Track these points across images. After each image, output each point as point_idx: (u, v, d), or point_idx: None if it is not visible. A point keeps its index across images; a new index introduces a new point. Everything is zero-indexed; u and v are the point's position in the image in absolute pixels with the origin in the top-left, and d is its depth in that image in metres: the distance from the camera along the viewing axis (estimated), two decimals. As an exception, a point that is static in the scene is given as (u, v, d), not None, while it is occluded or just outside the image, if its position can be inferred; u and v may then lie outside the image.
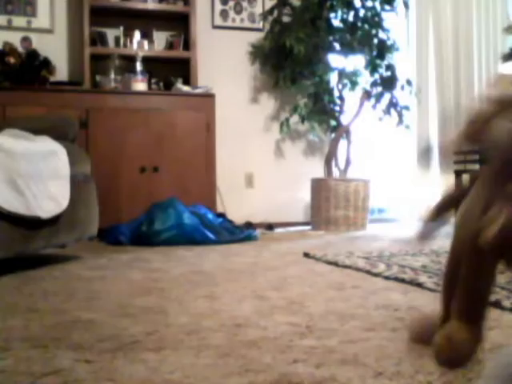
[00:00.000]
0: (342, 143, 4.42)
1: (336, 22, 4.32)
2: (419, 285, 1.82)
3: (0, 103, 3.61)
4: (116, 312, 1.51)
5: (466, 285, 0.71)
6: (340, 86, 4.40)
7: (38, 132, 2.55)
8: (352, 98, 4.46)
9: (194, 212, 3.43)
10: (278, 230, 4.23)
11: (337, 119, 4.45)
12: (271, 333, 1.26)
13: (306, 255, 2.68)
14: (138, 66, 4.04)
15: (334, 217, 4.15)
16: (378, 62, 4.37)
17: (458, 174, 4.03)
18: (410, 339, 0.65)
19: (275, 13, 4.43)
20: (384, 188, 4.92)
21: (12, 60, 3.81)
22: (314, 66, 4.28)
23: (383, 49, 4.35)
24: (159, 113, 3.97)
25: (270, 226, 4.28)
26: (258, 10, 4.64)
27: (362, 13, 4.31)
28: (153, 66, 4.22)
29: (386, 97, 4.43)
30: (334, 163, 4.39)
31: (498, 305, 1.48)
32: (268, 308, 1.54)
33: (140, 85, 4.02)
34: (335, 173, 4.41)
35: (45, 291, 1.84)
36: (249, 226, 4.06)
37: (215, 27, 4.58)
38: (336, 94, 4.42)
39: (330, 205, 4.16)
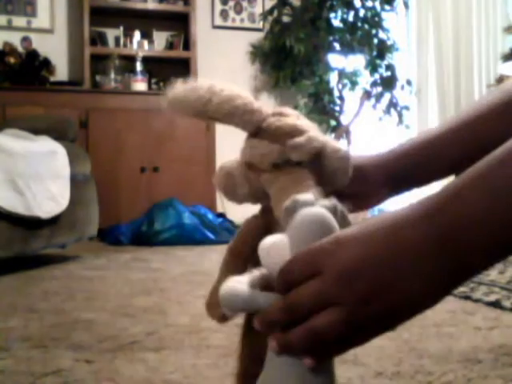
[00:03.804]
0: (342, 143, 4.43)
1: (336, 22, 4.32)
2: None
3: (0, 103, 3.61)
4: (116, 312, 1.51)
5: None
6: (340, 86, 4.40)
7: (38, 132, 2.55)
8: (352, 98, 4.46)
9: (193, 212, 3.43)
10: (278, 230, 4.22)
11: (337, 119, 4.45)
12: (271, 333, 1.26)
13: (306, 255, 2.68)
14: (138, 66, 4.04)
15: (334, 217, 4.15)
16: (378, 62, 4.37)
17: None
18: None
19: (275, 13, 4.43)
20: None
21: (12, 60, 3.81)
22: (314, 65, 4.29)
23: (383, 49, 4.35)
24: (159, 113, 3.95)
25: (270, 226, 4.28)
26: (258, 9, 4.64)
27: (362, 13, 4.32)
28: (153, 66, 4.22)
29: (386, 97, 4.43)
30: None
31: (497, 305, 1.48)
32: (268, 308, 1.53)
33: (140, 85, 4.02)
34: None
35: (45, 291, 1.84)
36: (249, 226, 4.05)
37: (215, 27, 4.58)
38: (336, 93, 4.42)
39: (329, 205, 4.16)
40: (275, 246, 0.51)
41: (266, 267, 0.52)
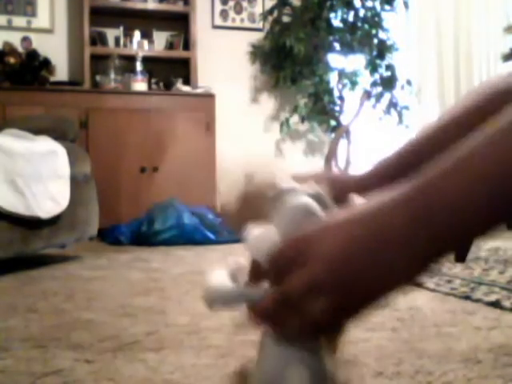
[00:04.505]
0: (342, 143, 4.42)
1: (336, 22, 4.32)
2: (419, 285, 1.82)
3: (0, 103, 3.61)
4: (116, 312, 1.51)
5: None
6: (340, 86, 4.40)
7: (38, 132, 2.55)
8: (352, 97, 4.46)
9: (193, 212, 3.43)
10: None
11: (337, 119, 4.45)
12: (271, 333, 1.26)
13: (306, 255, 2.67)
14: (138, 66, 4.04)
15: (334, 217, 4.15)
16: (378, 62, 4.37)
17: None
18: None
19: (275, 13, 4.43)
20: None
21: (12, 60, 3.81)
22: (314, 65, 4.28)
23: (383, 49, 4.35)
24: (159, 113, 3.97)
25: (270, 226, 4.27)
26: (258, 9, 4.64)
27: (361, 13, 4.31)
28: (153, 66, 4.22)
29: (386, 97, 4.43)
30: (334, 163, 4.39)
31: (497, 305, 1.48)
32: (268, 308, 1.53)
33: (140, 85, 4.02)
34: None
35: (45, 291, 1.84)
36: (249, 225, 4.05)
37: (215, 27, 4.58)
38: (336, 94, 4.41)
39: (330, 205, 4.15)
40: (262, 236, 0.52)
41: (253, 257, 0.53)
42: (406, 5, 4.47)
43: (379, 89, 4.41)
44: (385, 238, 0.47)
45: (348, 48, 4.29)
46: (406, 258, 0.47)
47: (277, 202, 0.54)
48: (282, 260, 0.50)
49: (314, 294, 0.48)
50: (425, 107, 4.87)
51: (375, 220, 0.48)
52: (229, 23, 4.60)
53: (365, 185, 0.71)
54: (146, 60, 4.12)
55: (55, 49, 4.18)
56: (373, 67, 4.36)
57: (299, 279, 0.48)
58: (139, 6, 4.22)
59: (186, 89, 4.16)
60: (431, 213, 0.46)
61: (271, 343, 0.52)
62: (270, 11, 4.44)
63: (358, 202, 0.54)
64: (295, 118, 4.49)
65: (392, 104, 4.43)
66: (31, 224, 2.29)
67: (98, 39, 4.19)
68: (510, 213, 0.45)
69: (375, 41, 4.35)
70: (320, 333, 0.51)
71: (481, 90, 0.71)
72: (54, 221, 2.40)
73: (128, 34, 4.22)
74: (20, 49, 3.98)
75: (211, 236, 3.31)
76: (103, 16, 4.16)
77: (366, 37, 4.29)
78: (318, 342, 0.53)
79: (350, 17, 4.30)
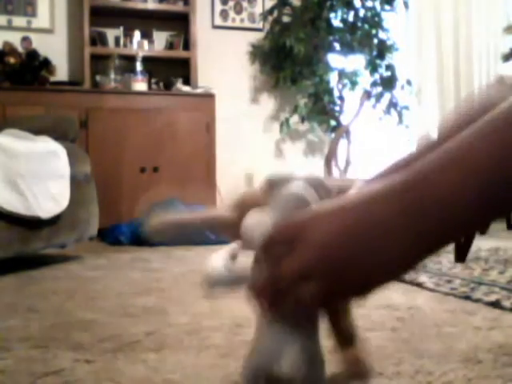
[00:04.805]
0: (342, 143, 4.43)
1: (336, 22, 4.32)
2: (419, 285, 1.82)
3: (0, 103, 3.61)
4: (116, 312, 1.51)
5: None
6: (340, 86, 4.41)
7: (38, 132, 2.55)
8: (352, 97, 4.46)
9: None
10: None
11: (337, 119, 4.45)
12: (271, 333, 1.26)
13: (306, 255, 2.67)
14: (138, 66, 4.04)
15: (334, 217, 4.14)
16: (378, 62, 4.37)
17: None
18: None
19: (275, 13, 4.43)
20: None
21: (12, 60, 3.81)
22: (314, 66, 4.29)
23: (383, 49, 4.35)
24: (159, 113, 3.97)
25: (270, 226, 4.27)
26: (258, 9, 4.64)
27: (361, 13, 4.32)
28: (153, 65, 4.22)
29: (386, 97, 4.43)
30: (334, 163, 4.40)
31: (497, 305, 1.48)
32: (268, 308, 1.53)
33: (140, 85, 4.02)
34: (335, 173, 4.42)
35: (45, 291, 1.84)
36: (249, 225, 4.05)
37: (215, 27, 4.58)
38: (336, 94, 4.42)
39: (329, 205, 4.15)
40: (259, 224, 0.54)
41: (251, 243, 0.55)
42: (406, 5, 4.47)
43: (379, 89, 4.41)
44: (376, 229, 0.47)
45: (348, 48, 4.29)
46: (396, 251, 0.47)
47: (273, 188, 0.56)
48: (274, 244, 0.51)
49: (304, 279, 0.49)
50: (425, 107, 4.87)
51: (368, 209, 0.48)
52: (229, 23, 4.61)
53: None
54: (146, 60, 4.12)
55: (55, 49, 4.18)
56: (373, 67, 4.36)
57: (290, 264, 0.49)
58: (139, 5, 4.22)
59: (186, 89, 4.16)
60: (422, 206, 0.46)
61: (268, 323, 0.54)
62: (270, 11, 4.44)
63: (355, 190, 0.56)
64: (295, 118, 4.49)
65: (392, 104, 4.43)
66: (31, 224, 2.29)
67: (98, 39, 4.19)
68: (500, 210, 0.46)
69: (375, 41, 4.35)
70: (312, 315, 0.53)
71: (477, 102, 0.72)
72: (54, 221, 2.41)
73: (128, 34, 4.23)
74: (20, 49, 3.98)
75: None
76: (103, 16, 4.17)
77: (366, 37, 4.29)
78: (314, 326, 0.54)
79: (350, 17, 4.31)
